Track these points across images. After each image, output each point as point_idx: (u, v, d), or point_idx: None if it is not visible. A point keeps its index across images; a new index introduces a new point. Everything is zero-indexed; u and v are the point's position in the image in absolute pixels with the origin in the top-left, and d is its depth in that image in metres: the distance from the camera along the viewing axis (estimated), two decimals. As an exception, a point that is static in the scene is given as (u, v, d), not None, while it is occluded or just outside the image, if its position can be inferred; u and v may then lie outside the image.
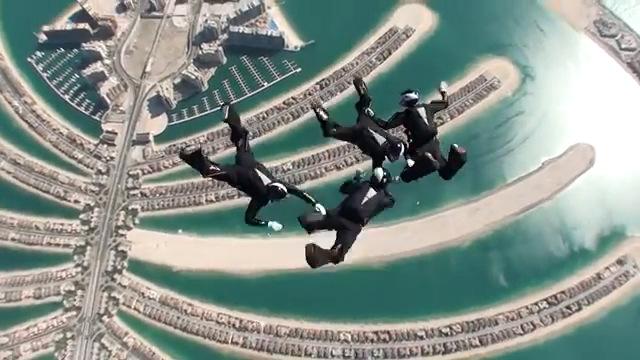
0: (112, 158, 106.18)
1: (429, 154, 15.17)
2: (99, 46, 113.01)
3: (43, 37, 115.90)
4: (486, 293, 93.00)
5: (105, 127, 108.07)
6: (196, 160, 14.40)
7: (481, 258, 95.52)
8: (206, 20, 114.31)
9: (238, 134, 15.88)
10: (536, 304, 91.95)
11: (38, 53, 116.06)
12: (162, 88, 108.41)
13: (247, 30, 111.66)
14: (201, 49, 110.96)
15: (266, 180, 15.27)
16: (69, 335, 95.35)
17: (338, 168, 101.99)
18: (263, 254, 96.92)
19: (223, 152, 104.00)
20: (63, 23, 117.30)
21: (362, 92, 16.87)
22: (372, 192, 14.72)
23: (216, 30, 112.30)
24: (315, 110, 16.43)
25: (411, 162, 15.61)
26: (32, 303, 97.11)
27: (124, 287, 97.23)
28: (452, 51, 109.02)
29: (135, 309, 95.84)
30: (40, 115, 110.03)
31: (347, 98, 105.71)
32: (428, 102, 17.08)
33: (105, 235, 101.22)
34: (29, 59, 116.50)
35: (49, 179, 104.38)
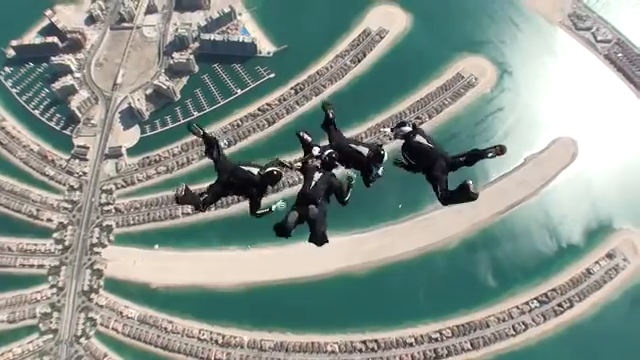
0: (84, 173, 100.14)
1: (470, 182, 15.39)
2: (68, 59, 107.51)
3: (11, 52, 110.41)
4: (475, 295, 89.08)
5: (76, 141, 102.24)
6: (189, 198, 15.37)
7: (468, 259, 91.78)
8: (176, 29, 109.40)
9: (210, 145, 16.26)
10: (527, 303, 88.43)
11: (7, 69, 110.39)
12: (134, 99, 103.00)
13: (218, 37, 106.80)
14: (172, 58, 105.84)
15: (255, 170, 15.61)
16: (46, 359, 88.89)
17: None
18: (243, 266, 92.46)
19: (198, 162, 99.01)
20: (31, 37, 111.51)
21: (331, 116, 16.94)
22: (317, 175, 15.35)
23: (187, 38, 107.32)
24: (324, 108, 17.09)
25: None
26: (6, 327, 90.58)
27: (101, 307, 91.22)
28: (427, 50, 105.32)
29: (113, 329, 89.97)
30: (10, 132, 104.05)
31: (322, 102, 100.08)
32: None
33: (80, 254, 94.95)
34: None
35: (20, 198, 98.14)
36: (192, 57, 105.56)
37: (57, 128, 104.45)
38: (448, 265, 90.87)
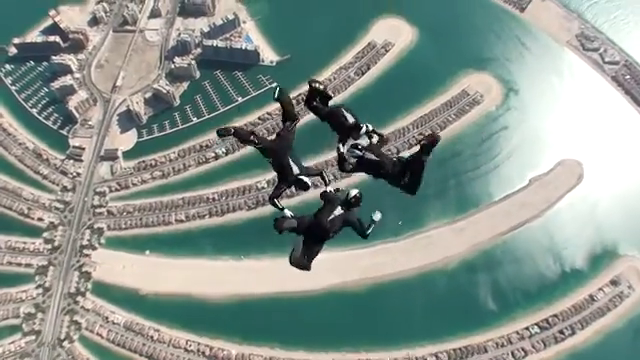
0: (79, 174, 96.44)
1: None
2: (69, 59, 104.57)
3: (13, 50, 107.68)
4: (474, 318, 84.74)
5: (72, 142, 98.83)
6: (238, 133, 14.68)
7: (468, 280, 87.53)
8: (179, 34, 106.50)
9: (288, 117, 15.57)
10: (527, 329, 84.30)
11: (7, 66, 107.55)
12: (132, 102, 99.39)
13: (221, 44, 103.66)
14: (174, 63, 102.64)
15: (296, 170, 15.30)
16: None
17: (316, 186, 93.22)
18: (235, 277, 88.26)
19: (195, 169, 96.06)
20: (34, 36, 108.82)
21: (323, 88, 16.20)
22: (339, 210, 14.61)
23: (189, 44, 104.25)
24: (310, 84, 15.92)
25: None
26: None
27: (87, 310, 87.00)
28: (433, 65, 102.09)
29: (98, 334, 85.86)
30: (6, 129, 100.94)
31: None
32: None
33: (69, 255, 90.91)
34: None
35: (12, 195, 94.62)
36: (194, 62, 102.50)
37: (54, 127, 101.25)
38: (447, 286, 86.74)
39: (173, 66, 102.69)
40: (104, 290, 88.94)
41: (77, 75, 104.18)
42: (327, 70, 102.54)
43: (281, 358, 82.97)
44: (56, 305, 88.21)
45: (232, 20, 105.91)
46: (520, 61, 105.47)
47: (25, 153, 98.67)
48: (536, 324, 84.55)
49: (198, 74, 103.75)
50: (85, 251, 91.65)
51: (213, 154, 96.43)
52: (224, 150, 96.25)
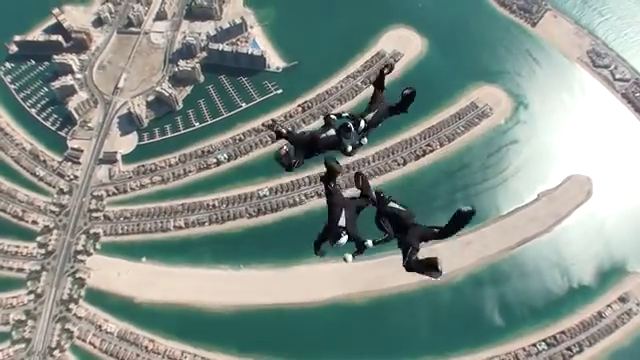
0: (76, 177, 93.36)
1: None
2: (71, 59, 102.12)
3: (14, 48, 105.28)
4: (479, 333, 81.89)
5: (71, 144, 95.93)
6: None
7: (474, 295, 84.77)
8: (185, 37, 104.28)
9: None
10: (534, 345, 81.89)
11: (7, 64, 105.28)
12: (134, 105, 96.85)
13: (227, 48, 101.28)
14: (178, 66, 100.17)
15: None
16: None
17: (319, 195, 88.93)
18: (233, 286, 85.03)
19: (195, 174, 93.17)
20: (37, 34, 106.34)
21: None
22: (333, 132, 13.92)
23: (195, 47, 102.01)
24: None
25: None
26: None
27: (80, 319, 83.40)
28: (442, 76, 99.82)
29: (90, 343, 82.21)
30: (3, 128, 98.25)
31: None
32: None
33: (63, 260, 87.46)
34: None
35: (7, 197, 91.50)
36: (198, 66, 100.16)
37: (52, 128, 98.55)
38: (453, 300, 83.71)
39: (177, 69, 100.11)
40: (98, 297, 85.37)
41: (78, 75, 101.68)
42: (334, 78, 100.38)
43: (279, 372, 79.24)
44: (48, 312, 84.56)
45: (239, 24, 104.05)
46: (530, 75, 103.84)
47: (22, 154, 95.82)
48: (543, 340, 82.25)
49: (202, 78, 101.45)
50: (80, 257, 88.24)
51: (215, 160, 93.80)
52: (226, 156, 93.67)
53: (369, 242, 13.17)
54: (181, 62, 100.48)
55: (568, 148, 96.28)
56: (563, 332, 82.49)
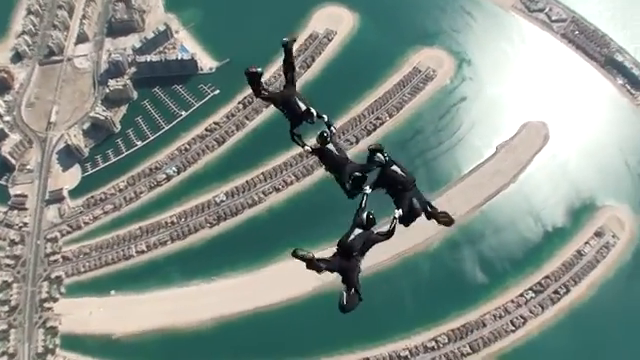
0: (25, 224, 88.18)
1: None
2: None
3: None
4: (466, 294, 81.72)
5: (13, 190, 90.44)
6: (256, 81, 14.27)
7: (453, 258, 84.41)
8: (110, 55, 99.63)
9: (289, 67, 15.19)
10: (522, 295, 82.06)
11: None
12: (70, 136, 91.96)
13: (155, 58, 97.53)
14: (108, 87, 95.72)
15: (303, 107, 14.28)
16: None
17: (277, 190, 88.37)
18: (209, 300, 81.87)
19: (147, 195, 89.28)
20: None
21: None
22: (358, 230, 12.95)
23: (122, 63, 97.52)
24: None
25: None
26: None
27: (60, 369, 78.76)
28: (380, 48, 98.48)
29: (76, 392, 77.69)
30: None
31: (274, 113, 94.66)
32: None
33: (29, 312, 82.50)
34: None
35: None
36: (129, 83, 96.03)
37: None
38: (432, 267, 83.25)
39: (108, 90, 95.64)
40: (74, 342, 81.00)
41: (7, 118, 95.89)
42: (271, 68, 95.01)
43: (274, 375, 76.63)
44: (25, 371, 79.64)
45: (164, 31, 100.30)
46: (468, 31, 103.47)
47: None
48: (530, 289, 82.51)
49: (136, 95, 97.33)
50: (46, 305, 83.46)
51: (164, 175, 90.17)
52: (175, 169, 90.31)
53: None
54: (111, 82, 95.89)
55: (518, 97, 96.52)
56: (547, 277, 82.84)
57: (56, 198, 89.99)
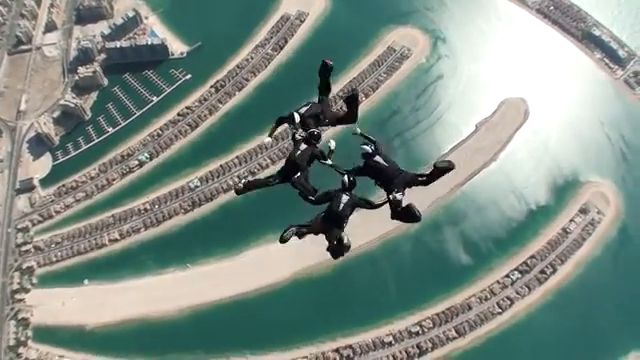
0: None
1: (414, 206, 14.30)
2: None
3: None
4: (450, 277, 79.10)
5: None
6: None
7: (435, 240, 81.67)
8: (79, 43, 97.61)
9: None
10: (507, 276, 79.32)
11: None
12: (40, 125, 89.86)
13: (125, 44, 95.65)
14: (78, 74, 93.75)
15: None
16: None
17: (253, 173, 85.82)
18: (185, 288, 79.20)
19: (120, 182, 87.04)
20: None
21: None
22: (345, 197, 15.04)
23: (91, 50, 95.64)
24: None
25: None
26: None
27: (32, 362, 75.62)
28: (352, 28, 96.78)
29: (49, 385, 74.45)
30: None
31: (247, 97, 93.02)
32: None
33: (0, 304, 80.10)
34: None
35: None
36: (99, 69, 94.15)
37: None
38: (414, 249, 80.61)
39: (78, 77, 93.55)
40: (47, 334, 78.31)
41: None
42: (243, 51, 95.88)
43: (256, 364, 73.83)
44: (-4, 366, 76.69)
45: (133, 17, 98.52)
46: (442, 9, 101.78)
47: None
48: (516, 269, 79.94)
49: (106, 81, 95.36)
50: (17, 296, 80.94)
51: (137, 162, 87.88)
52: (147, 155, 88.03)
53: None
54: (80, 69, 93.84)
55: (495, 73, 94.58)
56: (533, 256, 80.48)
57: (27, 187, 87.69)
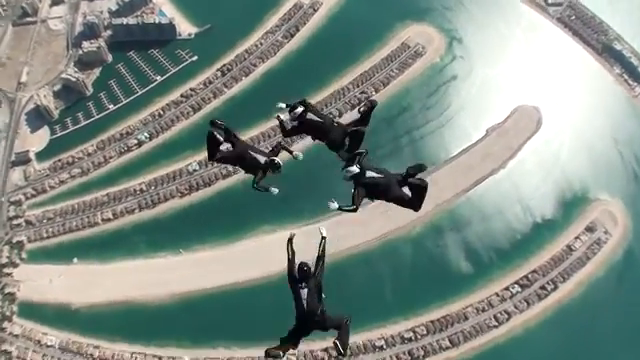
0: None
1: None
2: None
3: None
4: (449, 284, 77.09)
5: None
6: (211, 143, 15.49)
7: (437, 244, 79.83)
8: (85, 17, 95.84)
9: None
10: (507, 289, 77.24)
11: None
12: (40, 97, 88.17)
13: (132, 21, 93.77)
14: (82, 49, 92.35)
15: (262, 159, 15.39)
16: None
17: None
18: (176, 274, 77.61)
19: (116, 160, 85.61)
20: None
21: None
22: (304, 291, 14.24)
23: (97, 26, 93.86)
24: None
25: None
26: None
27: (16, 337, 75.35)
28: (367, 20, 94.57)
29: (31, 361, 73.36)
30: None
31: (254, 82, 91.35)
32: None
33: (-13, 278, 77.65)
34: None
35: None
36: (104, 45, 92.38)
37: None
38: (414, 253, 78.71)
39: (82, 52, 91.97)
40: (32, 310, 77.11)
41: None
42: (253, 36, 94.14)
43: (240, 357, 72.71)
44: (-20, 339, 74.98)
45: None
46: (460, 9, 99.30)
47: None
48: (516, 283, 77.79)
49: (110, 57, 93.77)
50: (5, 270, 79.39)
51: (135, 141, 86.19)
52: (147, 135, 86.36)
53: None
54: (85, 44, 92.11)
55: (510, 79, 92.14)
56: (535, 271, 78.36)
57: (22, 160, 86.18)
